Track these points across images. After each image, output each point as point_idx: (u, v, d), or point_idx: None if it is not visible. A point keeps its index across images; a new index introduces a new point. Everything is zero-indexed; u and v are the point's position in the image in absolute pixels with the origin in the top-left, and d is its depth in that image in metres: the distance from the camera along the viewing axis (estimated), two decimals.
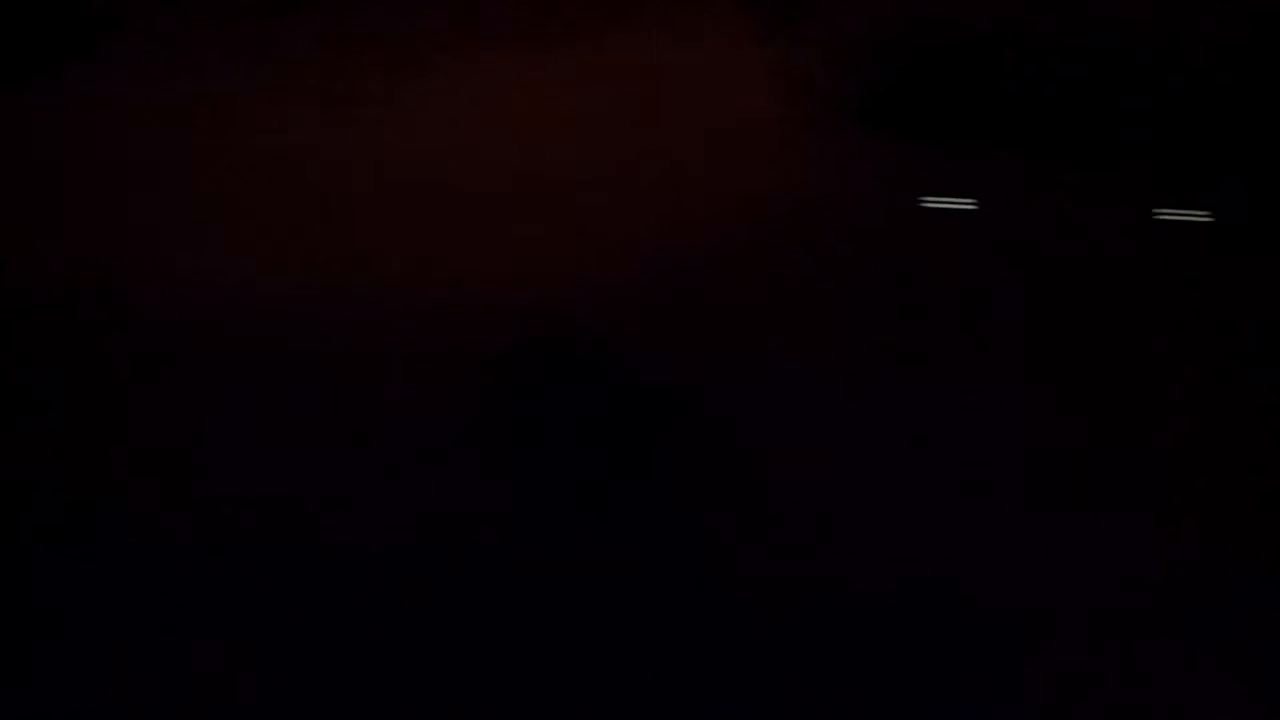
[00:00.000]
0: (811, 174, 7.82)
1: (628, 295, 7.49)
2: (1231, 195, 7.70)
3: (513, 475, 6.91)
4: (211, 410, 7.18)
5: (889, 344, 7.33)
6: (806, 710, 6.20)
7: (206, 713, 6.23)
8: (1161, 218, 7.58)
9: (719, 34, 8.35)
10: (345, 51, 8.49)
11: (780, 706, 6.21)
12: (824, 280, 7.52)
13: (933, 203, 7.66)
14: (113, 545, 6.70)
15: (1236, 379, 7.18)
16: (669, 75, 8.22)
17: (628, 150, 8.00)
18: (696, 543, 6.72)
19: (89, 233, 7.83)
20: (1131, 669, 6.23)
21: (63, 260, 7.70)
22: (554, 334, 7.30)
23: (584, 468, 6.95)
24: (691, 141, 8.03)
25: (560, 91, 8.25)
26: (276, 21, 8.62)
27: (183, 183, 8.03)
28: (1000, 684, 6.23)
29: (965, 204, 7.66)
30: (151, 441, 7.08)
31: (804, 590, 6.53)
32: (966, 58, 8.03)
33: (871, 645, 6.38)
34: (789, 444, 7.02)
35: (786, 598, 6.50)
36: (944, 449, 7.00)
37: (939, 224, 7.71)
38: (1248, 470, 6.87)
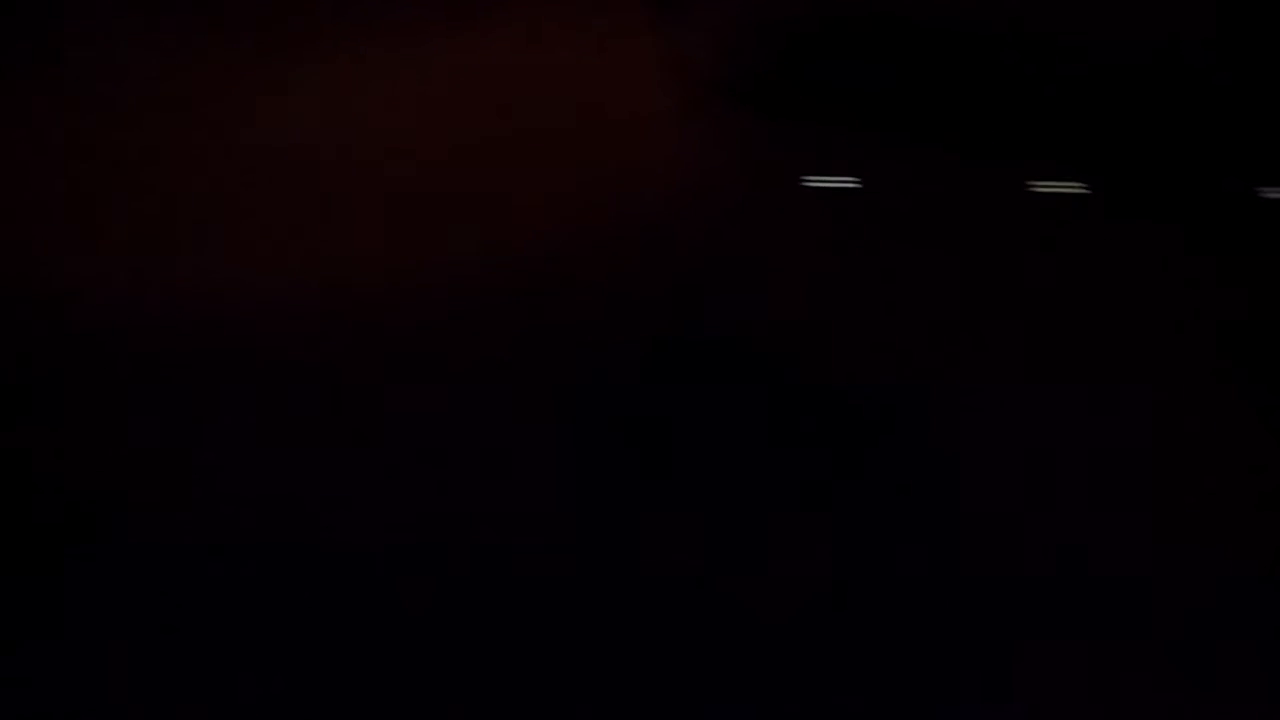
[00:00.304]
0: (695, 157, 7.94)
1: (505, 289, 7.56)
2: (1105, 166, 7.88)
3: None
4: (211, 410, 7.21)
5: (778, 320, 7.44)
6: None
7: (206, 713, 6.24)
8: (1038, 190, 7.75)
9: (604, 22, 8.40)
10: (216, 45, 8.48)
11: (785, 707, 6.24)
12: (704, 261, 7.63)
13: (816, 182, 7.85)
14: (112, 545, 6.71)
15: (1122, 344, 7.31)
16: (552, 64, 8.27)
17: (510, 139, 8.06)
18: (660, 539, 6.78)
19: (82, 230, 7.84)
20: (1131, 669, 6.26)
21: (60, 259, 7.72)
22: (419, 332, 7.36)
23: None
24: (575, 129, 8.10)
25: (439, 83, 8.27)
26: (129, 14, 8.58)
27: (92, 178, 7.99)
28: (997, 683, 6.26)
29: (848, 183, 7.85)
30: (151, 442, 7.10)
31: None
32: (852, 40, 8.18)
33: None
34: (695, 426, 7.10)
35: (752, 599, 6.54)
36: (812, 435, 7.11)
37: (822, 202, 7.86)
38: (1137, 444, 6.99)
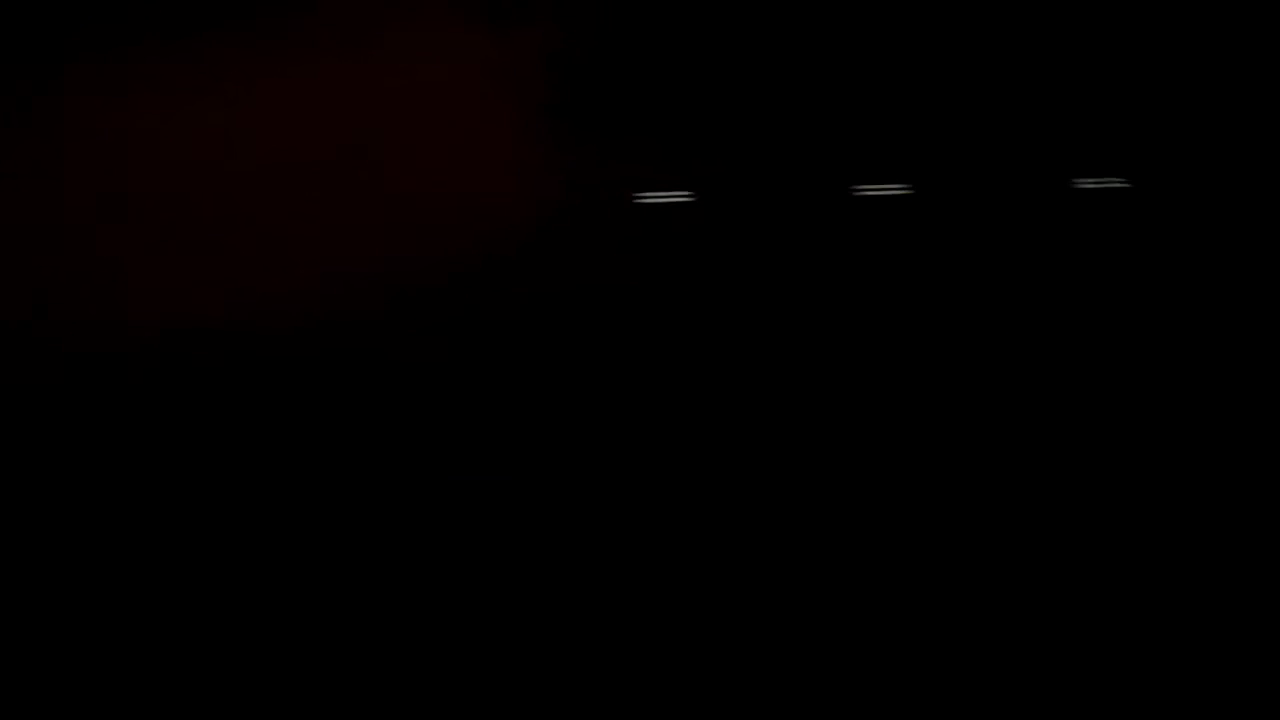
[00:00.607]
0: (526, 180, 7.94)
1: (331, 310, 7.54)
2: (929, 167, 7.90)
3: None
4: None
5: (617, 341, 7.47)
6: None
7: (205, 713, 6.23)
8: (861, 194, 7.78)
9: (433, 43, 8.35)
10: None
11: None
12: (540, 283, 7.64)
13: (649, 198, 7.86)
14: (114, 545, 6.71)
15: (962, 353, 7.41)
16: (381, 86, 8.21)
17: (338, 163, 8.01)
18: None
19: None
20: (1129, 669, 6.24)
21: None
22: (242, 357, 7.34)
23: None
24: (405, 154, 8.05)
25: (262, 109, 8.18)
26: None
27: None
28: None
29: (680, 197, 7.86)
30: None
31: None
32: (680, 55, 8.17)
33: None
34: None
35: None
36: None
37: (655, 218, 7.87)
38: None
